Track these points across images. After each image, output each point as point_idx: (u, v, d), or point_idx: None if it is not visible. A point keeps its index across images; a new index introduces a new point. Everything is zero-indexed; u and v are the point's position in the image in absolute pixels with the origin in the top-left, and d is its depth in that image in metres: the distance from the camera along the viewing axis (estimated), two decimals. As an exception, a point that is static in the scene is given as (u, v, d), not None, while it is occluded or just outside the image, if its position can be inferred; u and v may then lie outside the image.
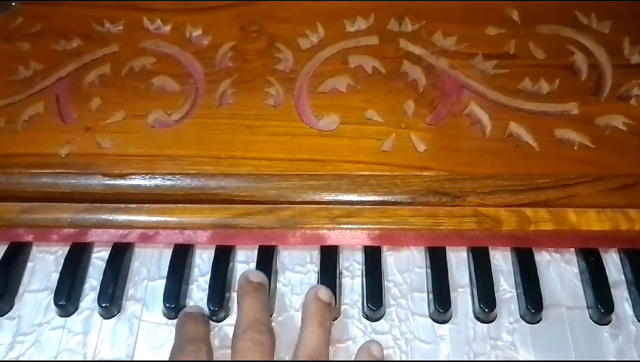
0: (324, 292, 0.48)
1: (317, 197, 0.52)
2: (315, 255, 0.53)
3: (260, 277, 0.49)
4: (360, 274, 0.52)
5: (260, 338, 0.45)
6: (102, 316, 0.51)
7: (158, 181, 0.53)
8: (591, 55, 0.57)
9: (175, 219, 0.52)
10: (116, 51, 0.59)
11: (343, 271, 0.53)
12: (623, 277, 0.52)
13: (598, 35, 0.57)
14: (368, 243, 0.53)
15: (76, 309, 0.51)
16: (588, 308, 0.50)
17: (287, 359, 0.47)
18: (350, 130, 0.54)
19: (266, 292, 0.49)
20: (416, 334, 0.49)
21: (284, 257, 0.53)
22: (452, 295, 0.50)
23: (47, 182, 0.53)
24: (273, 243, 0.53)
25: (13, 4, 0.64)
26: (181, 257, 0.53)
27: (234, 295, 0.51)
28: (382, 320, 0.50)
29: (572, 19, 0.59)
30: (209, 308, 0.50)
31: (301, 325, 0.48)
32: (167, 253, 0.53)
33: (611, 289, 0.50)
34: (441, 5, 0.60)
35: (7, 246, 0.54)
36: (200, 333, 0.48)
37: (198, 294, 0.52)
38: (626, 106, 0.54)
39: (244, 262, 0.53)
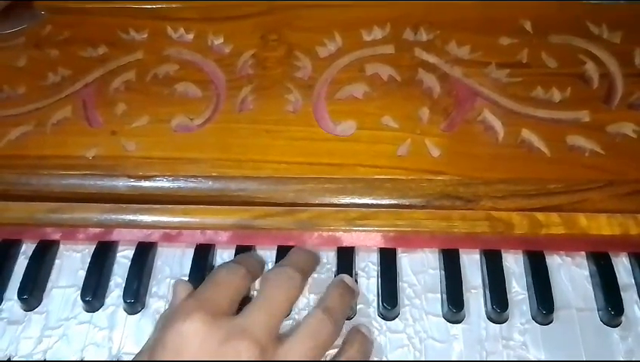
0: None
1: (334, 200, 0.53)
2: (332, 256, 0.55)
3: (314, 251, 0.53)
4: (375, 275, 0.54)
5: (292, 274, 0.46)
6: (127, 312, 0.53)
7: (180, 183, 0.54)
8: (602, 64, 0.58)
9: (197, 219, 0.54)
10: (141, 58, 0.61)
11: (359, 271, 0.54)
12: (633, 281, 0.53)
13: (609, 44, 0.59)
14: (383, 244, 0.54)
15: (102, 305, 0.53)
16: (598, 310, 0.51)
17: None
18: (366, 136, 0.55)
19: (315, 264, 0.52)
20: (430, 333, 0.51)
21: (302, 258, 0.55)
22: (465, 296, 0.51)
23: (75, 183, 0.55)
24: (291, 243, 0.55)
25: (42, 13, 0.66)
26: (202, 256, 0.54)
27: (253, 293, 0.53)
28: (396, 320, 0.52)
29: (583, 29, 0.60)
30: (229, 306, 0.52)
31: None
32: (189, 253, 0.55)
33: (621, 293, 0.51)
34: (456, 16, 0.61)
35: (36, 244, 0.56)
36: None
37: (218, 292, 0.53)
38: (637, 114, 0.55)
39: (264, 261, 0.55)
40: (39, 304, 0.54)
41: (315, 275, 0.54)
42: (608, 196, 0.52)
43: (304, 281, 0.47)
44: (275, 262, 0.54)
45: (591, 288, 0.52)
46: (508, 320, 0.51)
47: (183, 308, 0.43)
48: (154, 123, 0.57)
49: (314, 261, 0.52)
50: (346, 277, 0.51)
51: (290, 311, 0.45)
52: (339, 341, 0.48)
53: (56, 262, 0.56)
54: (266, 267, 0.54)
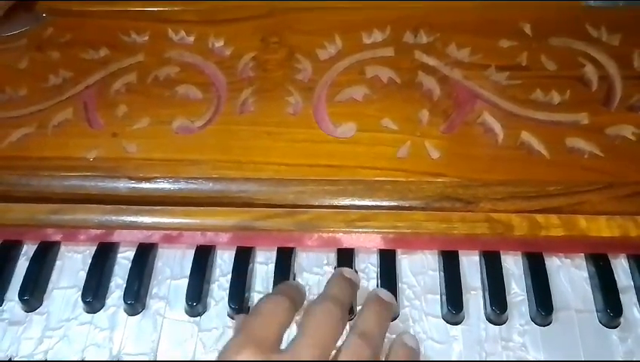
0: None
1: (334, 202, 0.53)
2: (332, 257, 0.55)
3: (353, 275, 0.50)
4: (375, 276, 0.54)
5: (334, 310, 0.44)
6: (127, 313, 0.53)
7: (181, 184, 0.55)
8: (601, 67, 0.58)
9: (197, 221, 0.54)
10: (142, 60, 0.62)
11: (359, 272, 0.54)
12: (632, 283, 0.53)
13: (608, 47, 0.59)
14: (383, 246, 0.55)
15: (102, 306, 0.54)
16: (597, 311, 0.51)
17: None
18: (366, 138, 0.56)
19: (355, 290, 0.49)
20: (430, 334, 0.51)
21: (302, 259, 0.55)
22: (464, 297, 0.52)
23: (76, 185, 0.55)
24: (291, 245, 0.55)
25: (43, 15, 0.66)
26: (203, 257, 0.55)
27: (253, 294, 0.53)
28: (396, 321, 0.52)
29: (583, 32, 0.60)
30: (230, 307, 0.52)
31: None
32: (190, 254, 0.55)
33: (620, 294, 0.51)
34: (455, 18, 0.62)
35: (37, 245, 0.56)
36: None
37: (219, 293, 0.54)
38: (636, 116, 0.55)
39: (264, 263, 0.55)
40: (40, 305, 0.54)
41: (315, 277, 0.54)
42: (607, 198, 0.52)
43: (346, 314, 0.45)
44: (275, 264, 0.54)
45: (590, 290, 0.52)
46: (507, 322, 0.51)
47: (233, 344, 0.42)
48: (155, 125, 0.58)
49: (353, 289, 0.49)
50: (380, 291, 0.48)
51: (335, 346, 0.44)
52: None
53: (57, 263, 0.56)
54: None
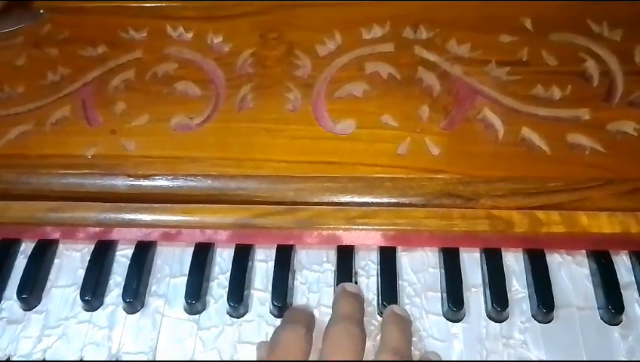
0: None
1: (334, 199, 0.53)
2: (332, 254, 0.54)
3: (357, 288, 0.51)
4: (375, 274, 0.54)
5: (353, 329, 0.45)
6: (126, 311, 0.53)
7: (180, 182, 0.54)
8: (602, 62, 0.58)
9: (196, 218, 0.54)
10: (140, 57, 0.61)
11: (359, 270, 0.54)
12: (634, 279, 0.52)
13: (610, 42, 0.59)
14: (383, 243, 0.54)
15: (101, 304, 0.53)
16: (598, 308, 0.51)
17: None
18: (366, 134, 0.55)
19: (361, 302, 0.50)
20: (430, 332, 0.51)
21: (302, 256, 0.55)
22: (465, 294, 0.51)
23: (74, 182, 0.55)
24: (291, 242, 0.55)
25: (41, 12, 0.66)
26: (202, 255, 0.54)
27: (253, 292, 0.53)
28: (396, 319, 0.51)
29: (584, 27, 0.60)
30: (229, 305, 0.52)
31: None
32: (189, 251, 0.55)
33: (622, 291, 0.51)
34: (456, 14, 0.61)
35: (35, 243, 0.56)
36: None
37: (218, 291, 0.53)
38: (637, 112, 0.55)
39: (263, 260, 0.55)
40: (39, 303, 0.54)
41: (315, 275, 0.54)
42: (609, 194, 0.52)
43: (363, 329, 0.46)
44: (274, 262, 0.54)
45: (591, 286, 0.52)
46: (508, 319, 0.51)
47: None
48: (153, 122, 0.57)
49: (360, 303, 0.50)
50: (395, 307, 0.49)
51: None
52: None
53: (56, 261, 0.56)
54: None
